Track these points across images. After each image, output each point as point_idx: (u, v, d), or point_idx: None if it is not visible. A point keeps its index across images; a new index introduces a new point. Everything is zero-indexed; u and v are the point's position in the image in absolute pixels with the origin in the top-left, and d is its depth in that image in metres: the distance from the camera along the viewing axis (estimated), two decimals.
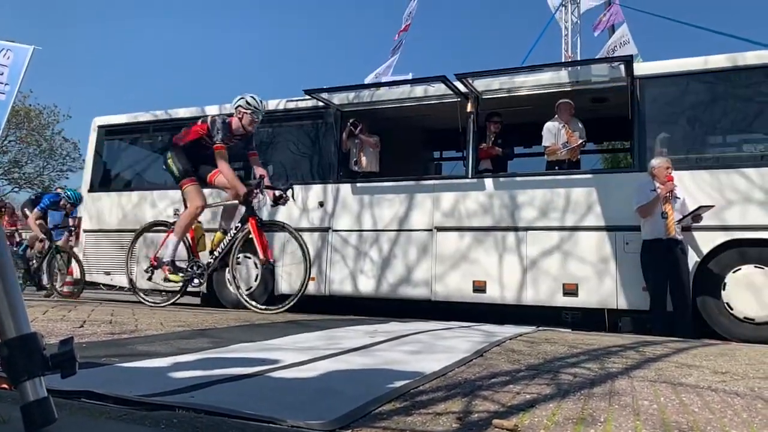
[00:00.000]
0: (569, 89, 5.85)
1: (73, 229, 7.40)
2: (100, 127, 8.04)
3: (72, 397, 1.36)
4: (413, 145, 7.87)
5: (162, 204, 7.27)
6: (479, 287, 5.63)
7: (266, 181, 4.95)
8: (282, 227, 5.03)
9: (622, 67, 5.50)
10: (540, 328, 4.41)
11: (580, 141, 5.87)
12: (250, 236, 4.90)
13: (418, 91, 6.43)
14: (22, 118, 22.07)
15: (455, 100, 6.09)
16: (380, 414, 1.34)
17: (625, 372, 2.11)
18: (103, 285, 7.74)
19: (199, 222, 5.18)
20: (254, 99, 4.86)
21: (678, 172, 4.91)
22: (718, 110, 5.18)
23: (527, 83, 6.02)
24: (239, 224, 4.98)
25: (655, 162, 4.92)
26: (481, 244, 5.70)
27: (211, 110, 7.38)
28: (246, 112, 4.84)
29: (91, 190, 7.80)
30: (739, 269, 4.74)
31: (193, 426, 1.20)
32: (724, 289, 4.76)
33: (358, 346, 2.55)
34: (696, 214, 4.77)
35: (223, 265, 5.17)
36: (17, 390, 0.83)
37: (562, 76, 5.93)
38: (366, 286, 6.16)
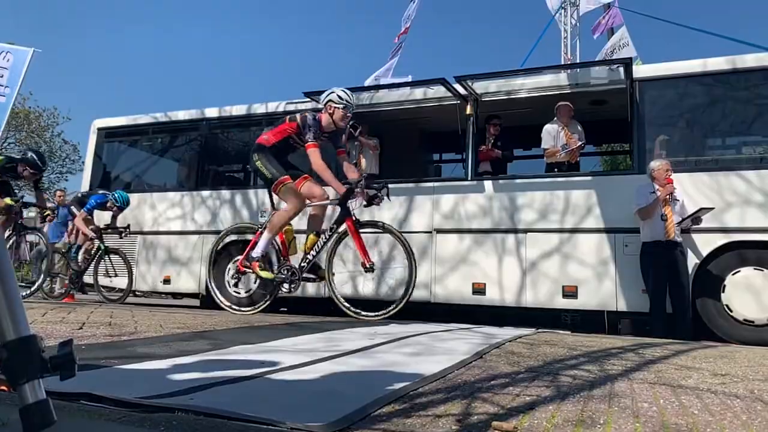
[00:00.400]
0: (568, 92, 5.86)
1: (124, 230, 6.94)
2: (99, 129, 8.05)
3: (71, 399, 1.36)
4: (413, 148, 7.87)
5: (162, 206, 7.28)
6: (479, 289, 5.62)
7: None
8: (383, 228, 4.72)
9: (622, 69, 5.51)
10: (539, 330, 4.41)
11: (580, 143, 5.87)
12: (345, 237, 4.73)
13: (418, 93, 6.43)
14: (21, 120, 22.08)
15: (455, 102, 6.10)
16: (380, 416, 1.34)
17: (625, 374, 2.11)
18: (104, 287, 7.48)
19: (290, 224, 4.89)
20: (345, 93, 4.63)
21: (677, 174, 4.91)
22: (717, 112, 5.18)
23: (527, 85, 6.03)
24: (334, 225, 4.72)
25: (655, 164, 4.92)
26: (481, 246, 5.70)
27: (211, 113, 7.41)
28: (337, 107, 4.59)
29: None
30: (739, 271, 4.74)
31: (192, 428, 1.20)
32: (723, 292, 4.76)
33: (357, 348, 2.55)
34: (696, 217, 4.78)
35: (314, 268, 4.85)
36: (16, 392, 0.83)
37: (562, 78, 5.94)
38: (365, 288, 6.15)
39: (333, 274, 4.88)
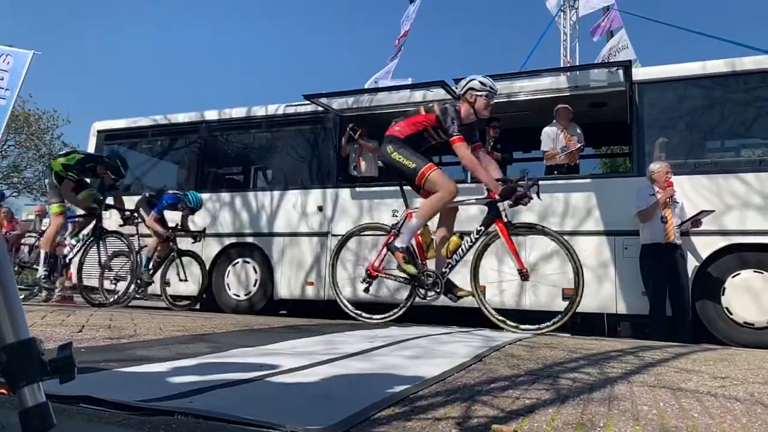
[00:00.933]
0: (568, 94, 5.87)
1: (199, 234, 6.54)
2: (99, 131, 8.06)
3: (71, 403, 1.36)
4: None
5: None
6: (479, 292, 5.61)
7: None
8: (542, 230, 4.31)
9: (621, 72, 5.52)
10: (539, 332, 4.41)
11: (579, 145, 5.88)
12: (495, 241, 4.36)
13: (418, 95, 6.44)
14: (21, 122, 22.08)
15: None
16: (379, 419, 1.34)
17: (625, 377, 2.11)
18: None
19: (427, 225, 4.44)
20: (488, 79, 4.30)
21: (677, 176, 4.92)
22: (716, 115, 5.19)
23: (526, 88, 6.04)
24: (481, 228, 4.32)
25: (654, 167, 4.92)
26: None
27: (211, 115, 7.41)
28: (480, 95, 4.22)
29: None
30: (739, 274, 4.74)
31: (192, 431, 1.19)
32: (723, 294, 4.75)
33: (357, 351, 2.55)
34: (696, 219, 4.78)
35: (434, 276, 4.36)
36: (16, 395, 0.83)
37: (561, 81, 5.94)
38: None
39: (480, 285, 4.45)
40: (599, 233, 5.27)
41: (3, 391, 1.26)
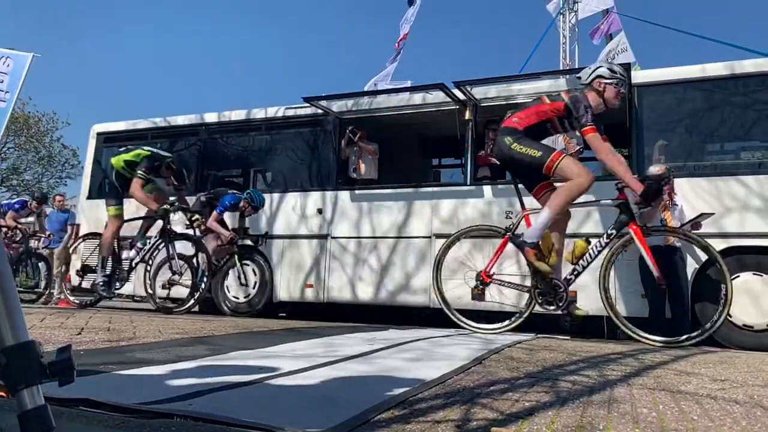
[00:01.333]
0: None
1: (263, 236, 6.30)
2: (99, 134, 8.06)
3: (70, 405, 1.36)
4: (412, 153, 7.88)
5: None
6: (478, 294, 5.61)
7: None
8: (684, 235, 4.02)
9: None
10: (539, 335, 4.41)
11: (578, 148, 5.88)
12: (630, 246, 4.05)
13: (417, 98, 6.45)
14: (21, 125, 22.12)
15: (453, 107, 6.11)
16: (379, 422, 1.34)
17: (624, 379, 2.11)
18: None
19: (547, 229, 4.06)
20: (617, 66, 4.05)
21: (676, 179, 4.92)
22: (715, 118, 5.20)
23: (525, 91, 6.04)
24: (612, 230, 4.02)
25: (654, 169, 4.92)
26: (480, 251, 5.70)
27: (210, 117, 7.41)
28: (609, 83, 3.94)
29: (90, 197, 7.81)
30: (738, 276, 4.74)
31: None
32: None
33: (356, 353, 2.55)
34: (696, 222, 4.78)
35: (560, 284, 4.04)
36: (15, 398, 0.83)
37: (561, 83, 5.95)
38: (365, 293, 6.15)
39: (611, 298, 4.07)
40: (599, 235, 5.26)
41: (2, 393, 1.26)
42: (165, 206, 5.69)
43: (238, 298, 6.67)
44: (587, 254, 4.03)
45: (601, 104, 3.99)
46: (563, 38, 11.30)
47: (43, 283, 7.60)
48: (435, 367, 2.18)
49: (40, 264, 8.02)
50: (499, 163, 4.37)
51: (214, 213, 6.21)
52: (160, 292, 5.83)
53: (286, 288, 6.43)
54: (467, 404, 1.56)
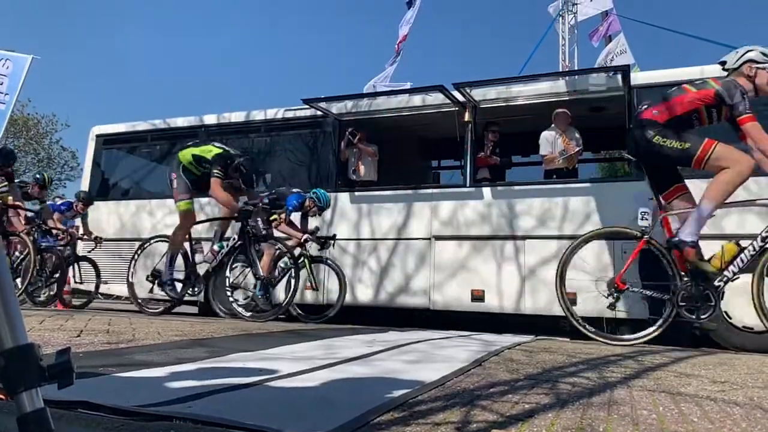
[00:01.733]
0: (566, 98, 5.89)
1: (329, 239, 5.99)
2: (98, 136, 8.06)
3: (69, 408, 1.35)
4: (411, 154, 7.90)
5: (160, 213, 7.27)
6: (478, 296, 5.62)
7: None
8: None
9: (619, 76, 5.54)
10: (538, 337, 4.41)
11: (577, 149, 5.89)
12: None
13: (416, 100, 6.46)
14: (20, 127, 22.13)
15: (453, 109, 6.12)
16: (379, 424, 1.33)
17: (624, 381, 2.11)
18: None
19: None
20: None
21: None
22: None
23: (525, 92, 6.05)
24: (766, 233, 3.61)
25: None
26: (480, 253, 5.70)
27: (210, 119, 7.41)
28: (762, 68, 3.56)
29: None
30: (738, 278, 4.73)
31: None
32: (722, 298, 4.74)
33: (356, 355, 2.54)
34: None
35: (711, 291, 3.67)
36: (14, 401, 0.82)
37: (560, 85, 5.96)
38: (364, 295, 6.14)
39: (765, 309, 3.59)
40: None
41: (1, 396, 1.26)
42: (248, 207, 5.30)
43: (237, 300, 6.64)
44: (738, 259, 3.66)
45: (752, 91, 3.60)
46: (562, 40, 11.33)
47: (92, 286, 7.25)
48: (435, 369, 2.17)
49: (84, 267, 7.72)
50: (634, 159, 3.93)
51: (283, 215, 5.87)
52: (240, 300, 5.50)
53: (286, 290, 6.42)
54: (467, 406, 1.56)
